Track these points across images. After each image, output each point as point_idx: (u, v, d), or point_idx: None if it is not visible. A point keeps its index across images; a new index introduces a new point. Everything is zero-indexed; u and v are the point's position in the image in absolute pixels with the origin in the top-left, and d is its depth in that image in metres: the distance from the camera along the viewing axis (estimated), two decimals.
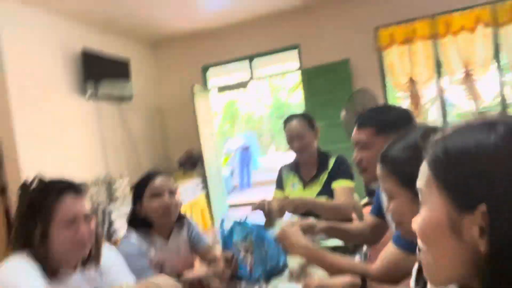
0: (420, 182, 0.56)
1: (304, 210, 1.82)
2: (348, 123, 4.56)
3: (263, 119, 11.39)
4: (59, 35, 4.23)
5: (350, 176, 1.94)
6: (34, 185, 1.14)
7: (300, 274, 1.39)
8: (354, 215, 2.17)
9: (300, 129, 1.99)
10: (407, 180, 0.81)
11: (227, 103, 11.12)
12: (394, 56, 4.89)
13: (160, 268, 1.55)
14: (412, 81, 4.86)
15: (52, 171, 3.43)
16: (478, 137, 0.50)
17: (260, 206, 1.77)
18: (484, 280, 0.48)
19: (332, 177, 1.95)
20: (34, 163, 3.70)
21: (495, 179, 0.47)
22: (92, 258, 1.21)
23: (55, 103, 4.07)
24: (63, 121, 4.14)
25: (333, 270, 1.24)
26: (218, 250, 1.60)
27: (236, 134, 10.60)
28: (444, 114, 4.95)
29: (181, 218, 1.68)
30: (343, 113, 4.61)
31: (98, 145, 4.64)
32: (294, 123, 2.02)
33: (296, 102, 8.65)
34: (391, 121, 1.24)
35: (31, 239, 1.08)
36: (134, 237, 1.52)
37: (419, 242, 0.55)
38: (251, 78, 5.97)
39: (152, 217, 1.56)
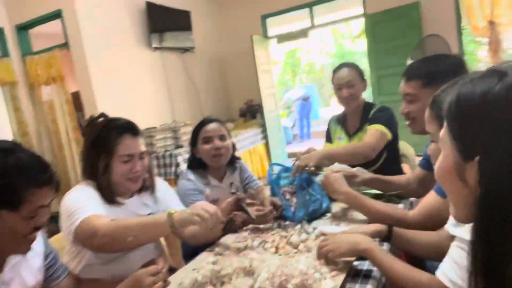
0: (442, 131, 0.59)
1: (326, 163, 1.82)
2: None
3: (325, 68, 11.03)
4: None
5: (385, 123, 1.85)
6: (98, 121, 1.33)
7: (341, 218, 1.48)
8: (406, 166, 2.16)
9: (350, 78, 1.96)
10: None
11: (288, 52, 10.89)
12: None
13: (215, 203, 1.73)
14: (492, 24, 4.37)
15: (127, 118, 3.73)
16: (485, 85, 0.50)
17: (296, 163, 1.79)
18: (475, 221, 0.52)
19: (370, 123, 1.91)
20: (110, 111, 4.09)
21: (494, 129, 0.48)
22: (147, 186, 1.41)
23: (125, 55, 4.37)
24: (132, 71, 4.45)
25: (372, 215, 1.30)
26: (267, 193, 1.73)
27: (297, 84, 10.49)
28: None
29: (233, 162, 1.82)
30: (408, 61, 4.34)
31: (165, 95, 4.94)
32: (345, 70, 1.99)
33: (361, 50, 8.21)
34: (440, 72, 1.20)
35: (96, 169, 1.29)
36: (191, 176, 1.70)
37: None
38: (312, 26, 5.78)
39: (205, 159, 1.72)
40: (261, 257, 1.15)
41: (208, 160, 1.72)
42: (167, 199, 1.48)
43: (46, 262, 1.11)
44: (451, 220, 0.88)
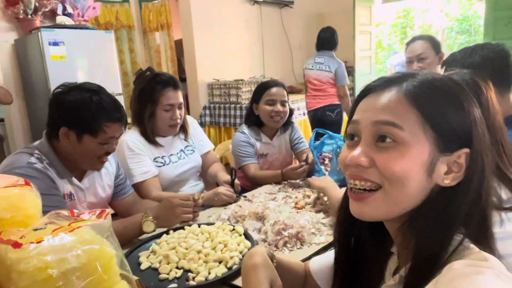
0: (400, 120, 0.52)
1: None
2: None
3: (442, 32, 9.88)
4: None
5: None
6: (146, 74, 1.60)
7: None
8: None
9: (423, 50, 1.90)
10: None
11: (400, 11, 9.98)
12: None
13: (264, 157, 1.93)
14: None
15: (220, 68, 4.03)
16: (453, 77, 0.56)
17: None
18: (431, 210, 0.52)
19: None
20: (206, 59, 4.46)
21: (478, 123, 0.52)
22: (181, 131, 1.74)
23: (225, 7, 4.61)
24: (230, 24, 4.70)
25: None
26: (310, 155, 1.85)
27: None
28: None
29: (287, 123, 1.96)
30: None
31: (258, 49, 5.13)
32: (417, 43, 1.93)
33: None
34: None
35: (143, 116, 1.59)
36: (246, 130, 1.91)
37: (381, 181, 0.53)
38: None
39: (263, 118, 1.89)
40: (277, 209, 1.33)
41: (266, 120, 1.89)
42: (197, 135, 1.83)
43: (117, 181, 1.45)
44: None
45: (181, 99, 1.63)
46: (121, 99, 3.42)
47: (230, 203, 1.47)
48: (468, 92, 0.54)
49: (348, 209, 0.59)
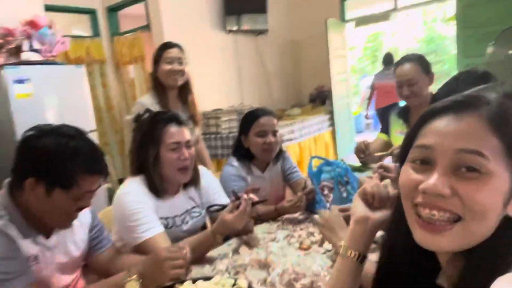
0: (486, 149, 0.48)
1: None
2: (497, 63, 3.81)
3: (410, 53, 10.15)
4: None
5: None
6: (145, 117, 1.41)
7: None
8: None
9: (411, 76, 1.82)
10: None
11: (370, 35, 10.29)
12: None
13: (255, 192, 1.76)
14: None
15: (197, 98, 3.87)
16: None
17: (357, 148, 1.82)
18: (497, 241, 0.50)
19: None
20: None
21: None
22: (192, 181, 1.45)
23: (200, 37, 4.52)
24: (206, 53, 4.60)
25: None
26: (309, 184, 1.71)
27: (377, 70, 9.82)
28: None
29: (279, 153, 1.82)
30: (489, 50, 3.83)
31: (235, 77, 5.05)
32: (406, 67, 1.85)
33: (452, 35, 7.41)
34: None
35: (146, 163, 1.34)
36: (235, 163, 1.74)
37: (463, 212, 0.50)
38: (395, 8, 5.39)
39: (254, 151, 1.74)
40: (281, 252, 1.16)
41: (258, 153, 1.72)
42: (212, 191, 1.52)
43: (91, 234, 1.24)
44: None
45: (188, 136, 1.38)
46: (94, 136, 3.20)
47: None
48: None
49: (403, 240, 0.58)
